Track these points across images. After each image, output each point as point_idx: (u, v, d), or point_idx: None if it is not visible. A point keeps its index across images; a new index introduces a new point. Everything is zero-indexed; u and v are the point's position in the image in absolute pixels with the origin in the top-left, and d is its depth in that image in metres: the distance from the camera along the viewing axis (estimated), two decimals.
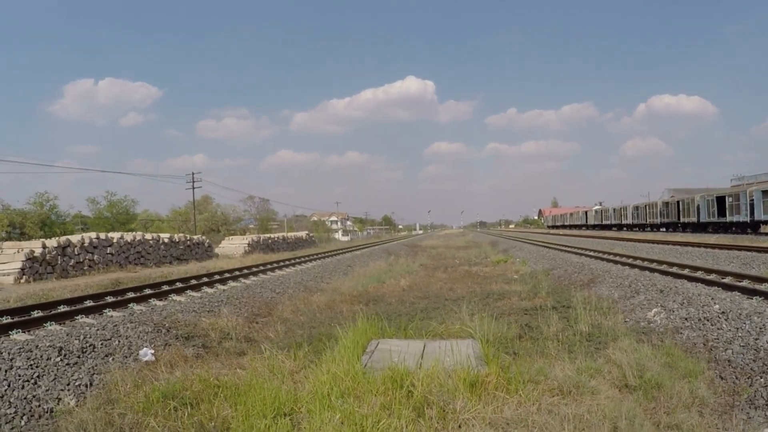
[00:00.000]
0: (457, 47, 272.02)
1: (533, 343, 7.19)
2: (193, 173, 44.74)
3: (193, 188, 44.62)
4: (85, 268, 19.15)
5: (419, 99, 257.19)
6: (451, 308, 10.15)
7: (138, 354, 7.02)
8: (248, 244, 31.63)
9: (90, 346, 7.14)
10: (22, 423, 5.22)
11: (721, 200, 35.92)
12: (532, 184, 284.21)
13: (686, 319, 7.90)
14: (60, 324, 8.42)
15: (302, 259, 23.38)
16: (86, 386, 6.10)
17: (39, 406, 5.51)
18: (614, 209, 61.92)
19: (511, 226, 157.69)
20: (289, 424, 4.38)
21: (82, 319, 8.81)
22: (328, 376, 5.13)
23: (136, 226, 40.75)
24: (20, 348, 6.67)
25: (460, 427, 4.14)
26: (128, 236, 21.41)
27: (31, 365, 6.28)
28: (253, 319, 10.38)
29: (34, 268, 17.35)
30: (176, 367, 6.50)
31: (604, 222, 64.22)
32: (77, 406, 5.53)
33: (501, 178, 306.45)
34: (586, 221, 72.78)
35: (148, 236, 22.67)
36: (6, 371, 6.02)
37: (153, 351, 7.01)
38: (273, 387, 5.05)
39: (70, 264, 18.63)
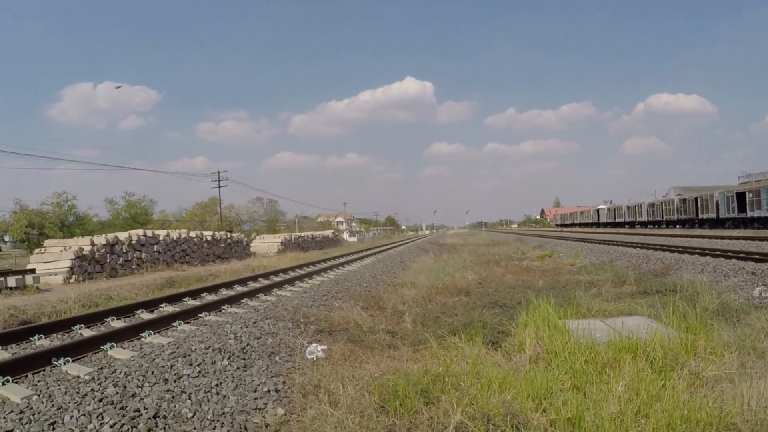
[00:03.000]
0: (456, 48, 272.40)
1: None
2: (219, 172, 43.62)
3: (219, 187, 43.45)
4: (134, 266, 18.16)
5: (418, 100, 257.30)
6: (554, 295, 9.86)
7: (306, 352, 6.10)
8: (281, 242, 30.70)
9: (247, 345, 6.22)
10: None
11: (741, 196, 35.65)
12: (532, 183, 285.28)
13: None
14: (187, 323, 7.50)
15: (348, 257, 22.56)
16: (276, 392, 5.15)
17: (246, 420, 4.52)
18: (628, 207, 61.56)
19: (513, 226, 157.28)
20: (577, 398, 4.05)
21: (207, 317, 7.88)
22: (565, 354, 5.06)
23: (153, 228, 39.47)
24: (172, 353, 5.74)
25: (706, 384, 4.38)
26: (174, 234, 20.44)
27: (200, 372, 5.31)
28: (368, 312, 9.50)
29: (83, 266, 16.33)
30: (365, 362, 5.61)
31: (617, 219, 63.81)
32: (286, 414, 4.59)
33: (501, 178, 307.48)
34: (598, 219, 72.39)
35: (192, 234, 21.74)
36: (175, 381, 5.01)
37: (324, 347, 6.10)
38: (501, 373, 4.70)
39: (119, 262, 17.61)
